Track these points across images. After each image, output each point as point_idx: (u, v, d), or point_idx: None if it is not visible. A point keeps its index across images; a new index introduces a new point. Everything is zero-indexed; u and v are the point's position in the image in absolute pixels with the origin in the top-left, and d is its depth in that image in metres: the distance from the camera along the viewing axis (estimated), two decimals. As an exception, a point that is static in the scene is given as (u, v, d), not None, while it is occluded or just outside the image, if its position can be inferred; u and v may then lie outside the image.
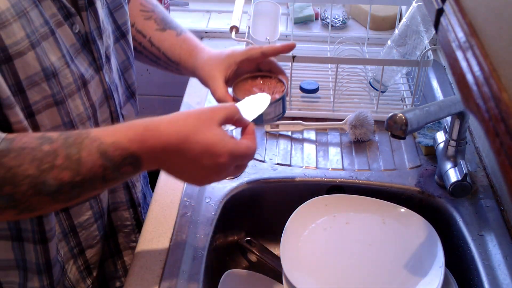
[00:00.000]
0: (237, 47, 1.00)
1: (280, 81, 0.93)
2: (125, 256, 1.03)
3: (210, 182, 0.78)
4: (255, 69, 0.94)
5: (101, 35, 0.83)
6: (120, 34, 0.92)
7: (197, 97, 1.26)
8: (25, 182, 0.65)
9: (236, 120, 0.76)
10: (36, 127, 0.76)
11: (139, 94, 1.13)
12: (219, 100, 0.90)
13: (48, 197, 0.67)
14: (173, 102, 1.30)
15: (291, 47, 0.92)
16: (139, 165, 0.70)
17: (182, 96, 1.27)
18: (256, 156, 1.08)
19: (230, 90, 0.94)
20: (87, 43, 0.81)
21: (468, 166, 1.04)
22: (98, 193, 0.77)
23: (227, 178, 0.81)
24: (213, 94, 0.91)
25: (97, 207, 0.91)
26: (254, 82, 0.93)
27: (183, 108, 1.22)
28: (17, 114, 0.71)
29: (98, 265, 0.97)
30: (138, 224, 1.02)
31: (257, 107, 0.87)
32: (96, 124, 0.86)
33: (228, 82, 0.93)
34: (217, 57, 0.94)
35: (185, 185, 1.02)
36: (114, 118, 0.90)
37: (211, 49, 0.99)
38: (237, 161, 0.73)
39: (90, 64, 0.82)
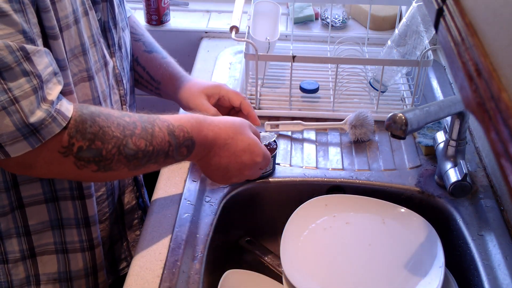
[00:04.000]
0: (223, 83, 1.11)
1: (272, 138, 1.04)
2: (128, 236, 1.08)
3: (237, 179, 0.93)
4: (229, 108, 1.08)
5: (116, 25, 0.93)
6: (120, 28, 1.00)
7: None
8: (112, 141, 0.77)
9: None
10: (72, 100, 0.83)
11: (139, 94, 1.14)
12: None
13: (126, 159, 0.79)
14: (172, 102, 1.30)
15: (255, 123, 1.05)
16: (192, 149, 0.85)
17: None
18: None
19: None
20: (104, 30, 0.90)
21: (468, 166, 1.04)
22: (155, 169, 0.86)
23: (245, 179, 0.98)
24: (206, 110, 1.02)
25: (110, 184, 0.97)
26: None
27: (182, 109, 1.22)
28: (68, 77, 0.80)
29: (105, 242, 1.01)
30: (139, 203, 1.08)
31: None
32: (111, 104, 0.94)
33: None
34: (204, 83, 1.07)
35: (185, 185, 1.02)
36: (123, 102, 0.97)
37: (194, 77, 1.12)
38: (264, 163, 0.93)
39: (106, 49, 0.91)
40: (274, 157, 1.03)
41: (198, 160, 0.89)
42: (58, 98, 0.74)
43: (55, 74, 0.75)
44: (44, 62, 0.72)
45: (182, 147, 0.84)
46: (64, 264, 0.93)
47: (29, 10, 0.71)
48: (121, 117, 0.80)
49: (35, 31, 0.73)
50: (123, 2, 1.01)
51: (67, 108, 0.74)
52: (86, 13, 0.84)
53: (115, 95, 0.95)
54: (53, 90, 0.73)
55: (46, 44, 0.76)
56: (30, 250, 0.90)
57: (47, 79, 0.73)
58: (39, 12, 0.74)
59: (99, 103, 0.89)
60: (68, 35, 0.80)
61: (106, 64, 0.90)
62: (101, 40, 0.89)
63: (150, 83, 1.09)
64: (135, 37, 1.09)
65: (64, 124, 0.73)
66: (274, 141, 1.04)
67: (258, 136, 0.94)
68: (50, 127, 0.72)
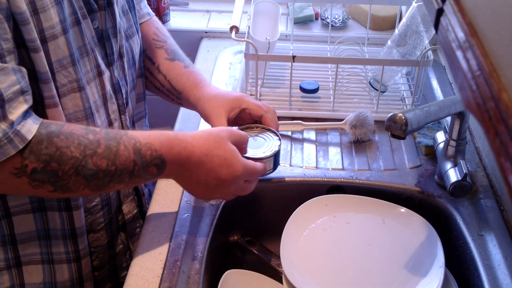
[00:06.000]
0: (245, 94, 1.02)
1: (276, 134, 0.98)
2: (131, 245, 1.07)
3: (220, 195, 0.89)
4: (251, 121, 1.01)
5: (116, 34, 0.90)
6: (125, 36, 0.97)
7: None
8: (70, 162, 0.74)
9: (242, 148, 0.89)
10: (57, 113, 0.81)
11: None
12: None
13: (84, 179, 0.76)
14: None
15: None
16: (163, 168, 0.81)
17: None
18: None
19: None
20: (102, 39, 0.88)
21: (468, 166, 1.04)
22: (122, 188, 0.84)
23: (232, 197, 0.92)
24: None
25: (105, 195, 0.96)
26: (251, 131, 0.99)
27: (183, 108, 1.22)
28: (51, 89, 0.78)
29: (104, 251, 1.00)
30: (141, 212, 1.07)
31: (264, 148, 0.96)
32: (107, 113, 0.92)
33: (227, 123, 0.97)
34: (225, 96, 0.99)
35: (185, 185, 1.02)
36: (121, 111, 0.96)
37: (216, 87, 1.04)
38: (247, 176, 0.87)
39: (103, 58, 0.89)
40: (276, 156, 0.97)
41: (176, 178, 0.86)
42: (23, 117, 0.72)
43: (22, 92, 0.72)
44: (9, 80, 0.70)
45: (150, 166, 0.80)
46: (49, 274, 0.92)
47: (1, 26, 0.70)
48: (84, 135, 0.76)
49: (6, 47, 0.71)
50: (134, 8, 0.99)
51: (29, 129, 0.72)
52: (78, 23, 0.82)
53: (113, 104, 0.93)
54: (17, 110, 0.71)
55: (29, 57, 0.74)
56: (15, 259, 0.89)
57: (10, 98, 0.70)
58: (18, 25, 0.72)
59: (91, 114, 0.86)
60: (55, 46, 0.77)
61: (100, 74, 0.88)
62: (96, 49, 0.86)
63: (172, 92, 1.05)
64: (157, 44, 1.06)
65: (21, 147, 0.71)
66: (279, 138, 0.98)
67: (242, 143, 0.90)
68: (5, 148, 0.70)
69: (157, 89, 1.07)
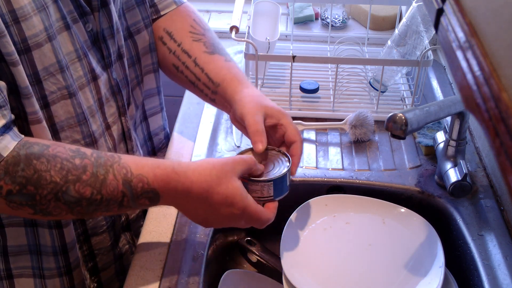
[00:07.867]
0: (288, 114, 0.90)
1: (286, 156, 0.86)
2: (137, 244, 1.05)
3: (220, 226, 0.86)
4: (277, 137, 0.90)
5: (113, 35, 0.87)
6: (128, 33, 0.95)
7: (196, 98, 1.25)
8: (48, 187, 0.71)
9: (253, 172, 0.82)
10: (50, 117, 0.80)
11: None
12: (253, 133, 0.84)
13: (65, 206, 0.73)
14: (173, 102, 1.30)
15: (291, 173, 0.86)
16: (157, 201, 0.77)
17: (182, 96, 1.27)
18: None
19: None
20: (97, 41, 0.85)
21: (468, 166, 1.04)
22: (111, 214, 0.80)
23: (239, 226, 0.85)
24: (249, 126, 0.85)
25: None
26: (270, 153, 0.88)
27: (183, 108, 1.22)
28: (33, 105, 0.76)
29: (108, 253, 0.99)
30: (144, 211, 1.05)
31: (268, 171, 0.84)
32: (104, 117, 0.90)
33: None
34: (269, 102, 0.89)
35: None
36: (121, 113, 0.94)
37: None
38: (248, 218, 0.80)
39: (99, 61, 0.86)
40: (276, 183, 0.83)
41: (173, 205, 0.82)
42: (1, 133, 0.70)
43: None
44: None
45: (141, 198, 0.75)
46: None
47: None
48: (69, 159, 0.72)
49: None
50: (144, 2, 0.96)
51: (6, 145, 0.70)
52: (67, 28, 0.79)
53: (110, 108, 0.90)
54: None
55: (10, 71, 0.72)
56: (7, 271, 0.89)
57: None
58: None
59: (84, 120, 0.84)
60: (40, 54, 0.75)
61: (95, 78, 0.85)
62: (90, 53, 0.84)
63: (207, 85, 0.96)
64: (194, 37, 1.00)
65: None
66: (288, 166, 0.85)
67: (250, 169, 0.81)
68: None
69: (192, 83, 1.00)
